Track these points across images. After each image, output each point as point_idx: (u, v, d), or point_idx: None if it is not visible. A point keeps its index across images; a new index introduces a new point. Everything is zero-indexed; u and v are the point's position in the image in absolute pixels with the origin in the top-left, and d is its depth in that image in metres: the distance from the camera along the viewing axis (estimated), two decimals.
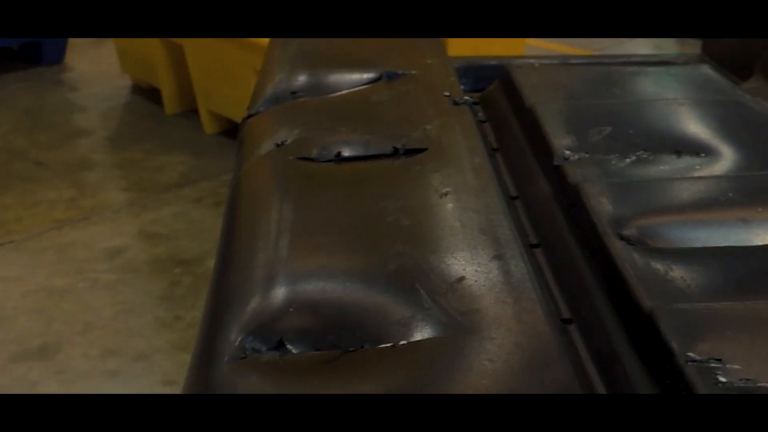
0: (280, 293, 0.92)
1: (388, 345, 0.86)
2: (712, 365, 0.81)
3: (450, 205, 1.10)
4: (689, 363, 0.81)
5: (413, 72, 1.42)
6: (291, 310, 0.91)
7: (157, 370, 2.68)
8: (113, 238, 3.41)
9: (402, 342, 0.86)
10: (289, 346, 0.87)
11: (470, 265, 0.98)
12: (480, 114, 1.52)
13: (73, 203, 3.68)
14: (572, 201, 1.13)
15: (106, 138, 4.41)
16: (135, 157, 4.10)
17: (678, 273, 0.97)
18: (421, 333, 0.87)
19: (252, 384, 0.81)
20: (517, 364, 0.84)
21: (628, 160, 1.17)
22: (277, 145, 1.25)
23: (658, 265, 0.98)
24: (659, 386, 0.85)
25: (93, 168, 4.03)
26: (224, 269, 1.03)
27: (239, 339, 0.87)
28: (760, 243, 1.04)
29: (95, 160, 4.12)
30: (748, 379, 0.79)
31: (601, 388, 0.95)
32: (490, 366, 0.82)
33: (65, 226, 3.48)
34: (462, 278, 0.95)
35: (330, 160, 1.22)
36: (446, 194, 1.11)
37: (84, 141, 4.29)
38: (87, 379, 2.69)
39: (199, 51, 4.02)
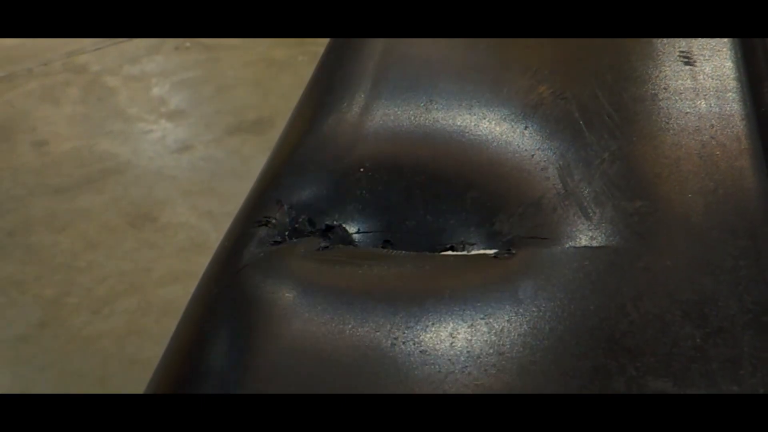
0: (345, 138, 0.63)
1: (489, 252, 0.55)
2: None
3: None
4: None
5: None
6: (361, 171, 0.61)
7: None
8: None
9: (511, 250, 0.55)
10: (342, 234, 0.59)
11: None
12: None
13: None
14: None
15: None
16: None
17: None
18: (554, 232, 0.55)
19: (274, 290, 0.55)
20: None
21: None
22: None
23: None
24: None
25: None
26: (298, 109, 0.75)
27: (276, 214, 0.60)
28: None
29: None
30: None
31: None
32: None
33: None
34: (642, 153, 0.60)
35: None
36: None
37: None
38: None
39: None
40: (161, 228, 2.35)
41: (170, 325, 0.60)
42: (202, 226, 2.34)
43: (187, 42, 3.16)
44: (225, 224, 0.65)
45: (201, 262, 0.63)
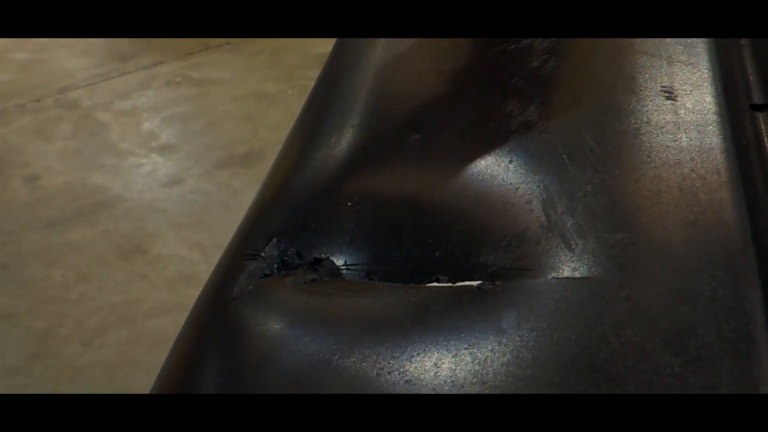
0: (334, 172, 0.64)
1: (474, 283, 0.56)
2: None
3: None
4: None
5: None
6: (349, 205, 0.63)
7: None
8: (327, 45, 3.24)
9: (498, 282, 0.56)
10: (330, 267, 0.60)
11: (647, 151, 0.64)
12: None
13: None
14: None
15: None
16: None
17: None
18: (541, 265, 0.56)
19: (263, 322, 0.56)
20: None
21: None
22: None
23: None
24: None
25: None
26: (286, 145, 0.76)
27: (265, 247, 0.61)
28: None
29: None
30: None
31: None
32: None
33: None
34: (621, 184, 0.61)
35: None
36: None
37: None
38: None
39: None
40: (152, 260, 2.36)
41: (160, 356, 0.60)
42: (192, 258, 2.35)
43: (178, 77, 3.19)
44: (214, 256, 0.66)
45: (191, 294, 0.63)
